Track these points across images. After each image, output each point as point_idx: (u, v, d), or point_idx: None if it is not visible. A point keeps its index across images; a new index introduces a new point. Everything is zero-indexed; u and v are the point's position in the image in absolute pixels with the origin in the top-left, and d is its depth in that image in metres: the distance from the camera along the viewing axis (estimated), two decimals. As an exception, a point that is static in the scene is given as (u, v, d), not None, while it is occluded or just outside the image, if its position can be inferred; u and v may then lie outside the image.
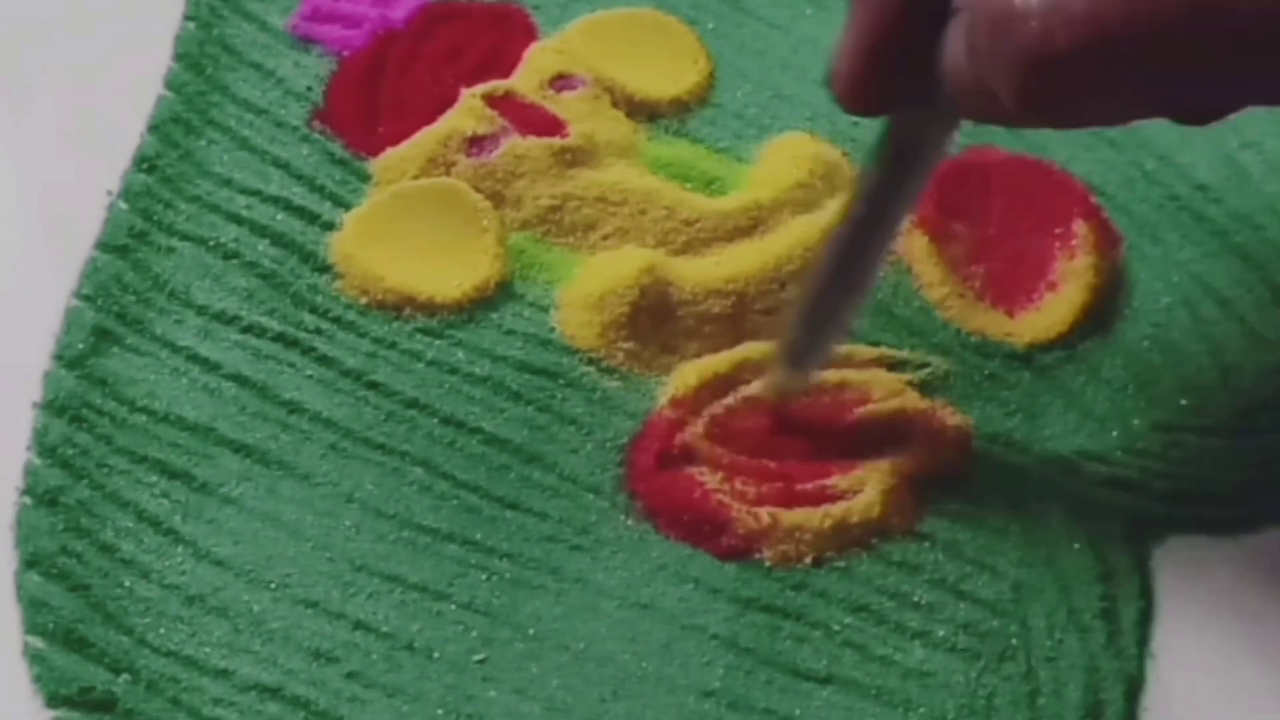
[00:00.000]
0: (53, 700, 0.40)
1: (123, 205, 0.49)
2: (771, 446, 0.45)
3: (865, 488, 0.44)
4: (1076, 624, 0.43)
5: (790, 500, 0.44)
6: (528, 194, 0.50)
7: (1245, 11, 0.32)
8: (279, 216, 0.49)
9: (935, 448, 0.46)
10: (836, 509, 0.44)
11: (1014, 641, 0.43)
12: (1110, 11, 0.33)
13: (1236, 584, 0.44)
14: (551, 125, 0.51)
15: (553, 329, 0.47)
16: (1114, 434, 0.47)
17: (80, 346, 0.46)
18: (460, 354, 0.47)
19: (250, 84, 0.52)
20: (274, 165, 0.50)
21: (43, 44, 0.53)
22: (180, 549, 0.43)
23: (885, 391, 0.46)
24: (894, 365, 0.47)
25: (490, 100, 0.51)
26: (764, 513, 0.44)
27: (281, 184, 0.49)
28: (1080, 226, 0.50)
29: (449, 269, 0.48)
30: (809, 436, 0.45)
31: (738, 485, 0.45)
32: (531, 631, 0.42)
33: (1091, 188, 0.51)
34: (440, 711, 0.41)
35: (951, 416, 0.46)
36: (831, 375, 0.46)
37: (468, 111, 0.51)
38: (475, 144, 0.50)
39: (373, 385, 0.46)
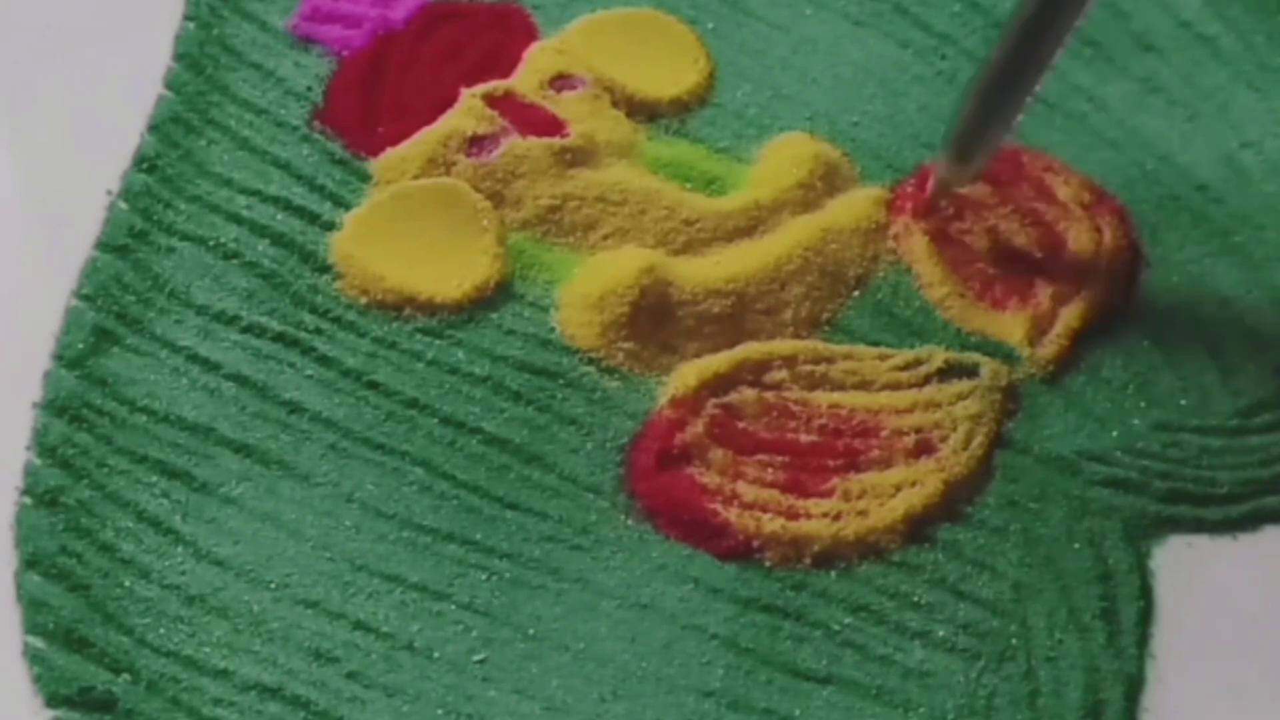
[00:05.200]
0: (53, 700, 0.40)
1: (123, 205, 0.49)
2: (772, 446, 0.45)
3: (867, 499, 0.45)
4: (1076, 624, 0.43)
5: (790, 502, 0.44)
6: (528, 194, 0.50)
7: None
8: (279, 216, 0.49)
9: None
10: (837, 525, 0.44)
11: (1014, 641, 0.43)
12: None
13: (1236, 584, 0.44)
14: (551, 125, 0.51)
15: (553, 329, 0.47)
16: (1114, 434, 0.47)
17: (80, 346, 0.46)
18: (460, 354, 0.47)
19: (250, 84, 0.52)
20: (274, 165, 0.50)
21: (43, 44, 0.53)
22: (180, 549, 0.43)
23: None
24: (905, 366, 0.47)
25: (490, 100, 0.51)
26: (765, 519, 0.44)
27: (281, 184, 0.49)
28: (1081, 227, 0.50)
29: (449, 269, 0.48)
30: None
31: (738, 485, 0.45)
32: (531, 631, 0.42)
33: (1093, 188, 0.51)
34: (440, 711, 0.41)
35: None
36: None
37: (468, 111, 0.51)
38: (475, 144, 0.50)
39: (373, 385, 0.46)
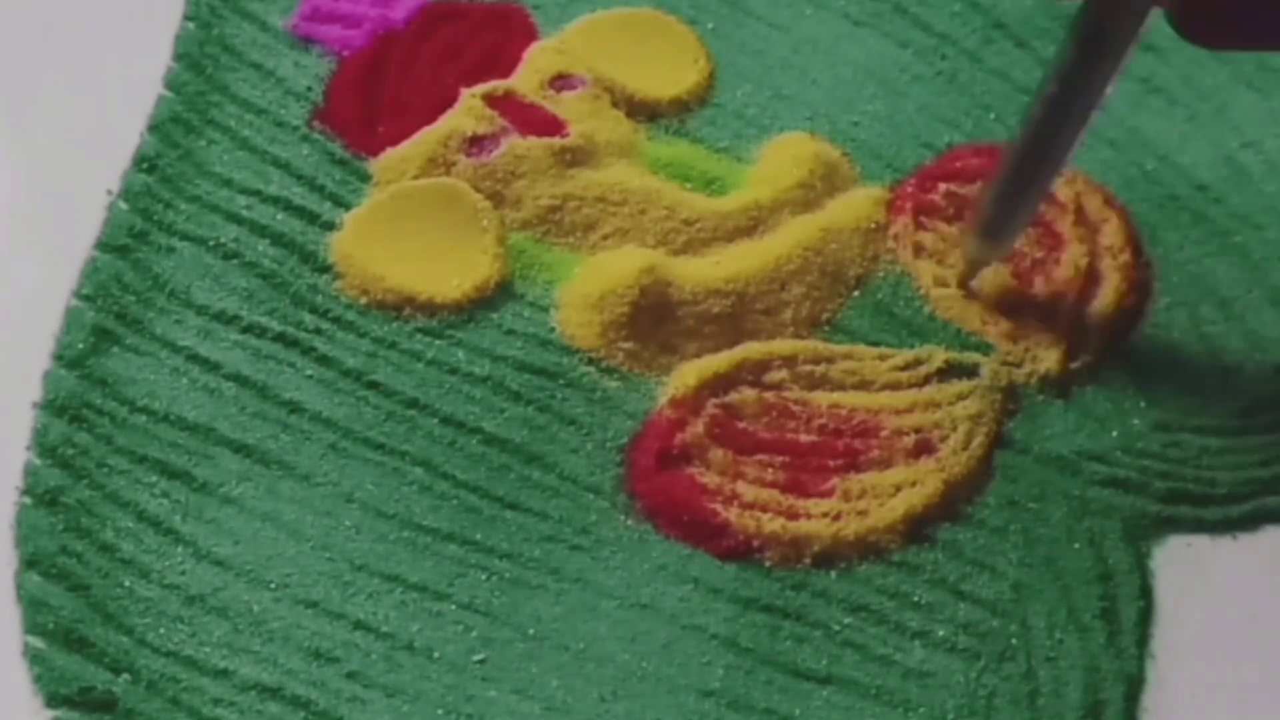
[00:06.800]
0: (53, 700, 0.40)
1: (123, 205, 0.49)
2: (772, 446, 0.45)
3: (867, 499, 0.45)
4: (1076, 624, 0.43)
5: (790, 502, 0.44)
6: (528, 194, 0.50)
7: None
8: (279, 216, 0.49)
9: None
10: (836, 525, 0.44)
11: (1014, 641, 0.43)
12: None
13: (1236, 584, 0.44)
14: (551, 125, 0.51)
15: (553, 329, 0.47)
16: (1114, 434, 0.47)
17: (80, 346, 0.46)
18: (460, 354, 0.47)
19: (250, 84, 0.52)
20: (274, 165, 0.50)
21: (43, 44, 0.53)
22: (180, 549, 0.43)
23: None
24: (905, 366, 0.47)
25: (490, 100, 0.51)
26: (765, 519, 0.44)
27: (281, 184, 0.49)
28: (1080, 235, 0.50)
29: (449, 269, 0.48)
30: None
31: (738, 485, 0.45)
32: (531, 631, 0.42)
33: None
34: (440, 711, 0.41)
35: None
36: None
37: (468, 111, 0.51)
38: (475, 144, 0.50)
39: (373, 385, 0.46)
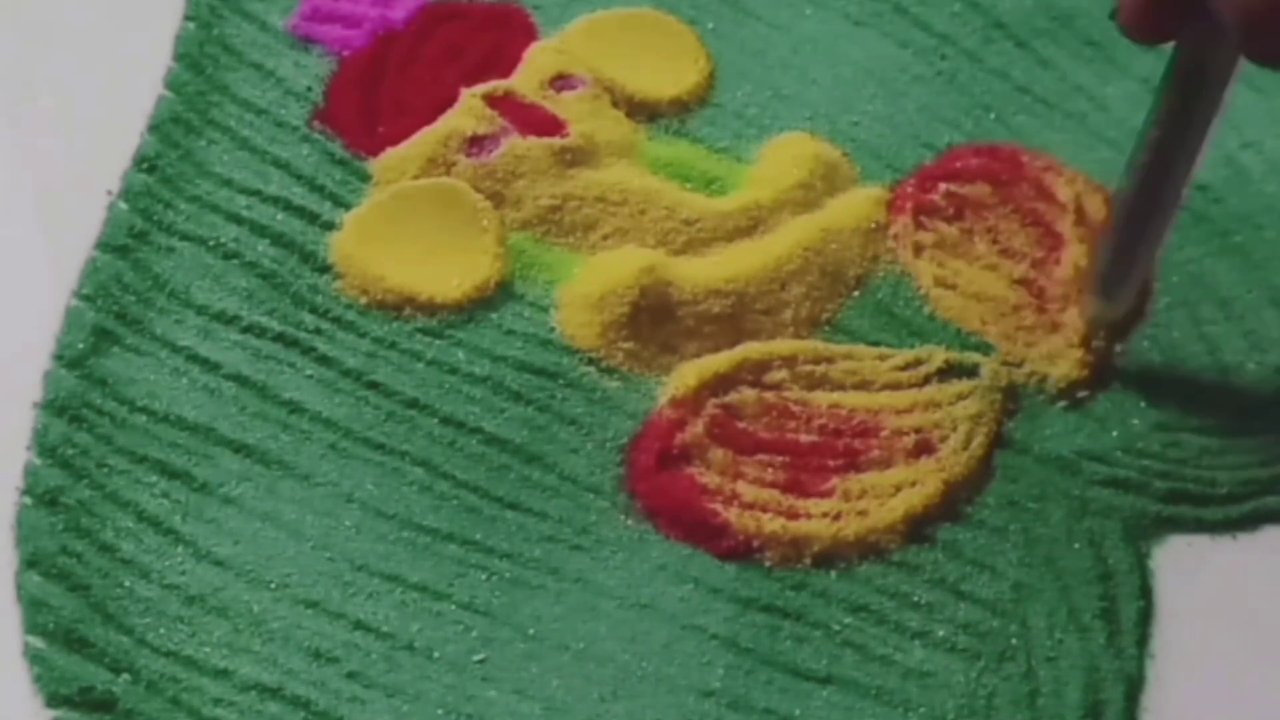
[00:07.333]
0: (53, 700, 0.40)
1: (123, 205, 0.49)
2: (772, 446, 0.45)
3: (867, 499, 0.45)
4: (1076, 624, 0.43)
5: (790, 502, 0.44)
6: (528, 194, 0.50)
7: None
8: (279, 216, 0.49)
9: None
10: (836, 525, 0.44)
11: (1014, 641, 0.43)
12: None
13: (1236, 584, 0.44)
14: (551, 125, 0.51)
15: (553, 329, 0.47)
16: (1114, 434, 0.47)
17: (80, 346, 0.46)
18: (460, 354, 0.47)
19: (250, 84, 0.52)
20: (274, 165, 0.50)
21: (43, 44, 0.53)
22: (180, 549, 0.43)
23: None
24: (905, 366, 0.47)
25: (490, 100, 0.51)
26: (765, 519, 0.44)
27: (281, 184, 0.49)
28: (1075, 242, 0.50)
29: (449, 269, 0.48)
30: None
31: (738, 485, 0.45)
32: (531, 631, 0.42)
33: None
34: (440, 711, 0.41)
35: None
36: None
37: (468, 111, 0.51)
38: (475, 144, 0.50)
39: (373, 385, 0.46)
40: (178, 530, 0.43)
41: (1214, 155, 0.52)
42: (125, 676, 0.40)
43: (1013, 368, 0.48)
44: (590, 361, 0.47)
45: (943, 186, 0.51)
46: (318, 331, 0.47)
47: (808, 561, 0.44)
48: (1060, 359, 0.48)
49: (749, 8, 0.55)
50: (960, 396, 0.47)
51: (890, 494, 0.45)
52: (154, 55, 0.52)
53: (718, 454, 0.45)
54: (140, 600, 0.42)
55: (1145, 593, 0.44)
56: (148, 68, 0.52)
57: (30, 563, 0.42)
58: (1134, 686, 0.42)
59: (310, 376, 0.46)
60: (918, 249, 0.50)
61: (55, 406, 0.44)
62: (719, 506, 0.44)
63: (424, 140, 0.50)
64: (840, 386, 0.47)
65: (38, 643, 0.41)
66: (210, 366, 0.46)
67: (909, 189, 0.51)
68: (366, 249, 0.48)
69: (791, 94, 0.53)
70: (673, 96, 0.53)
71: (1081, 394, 0.47)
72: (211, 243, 0.48)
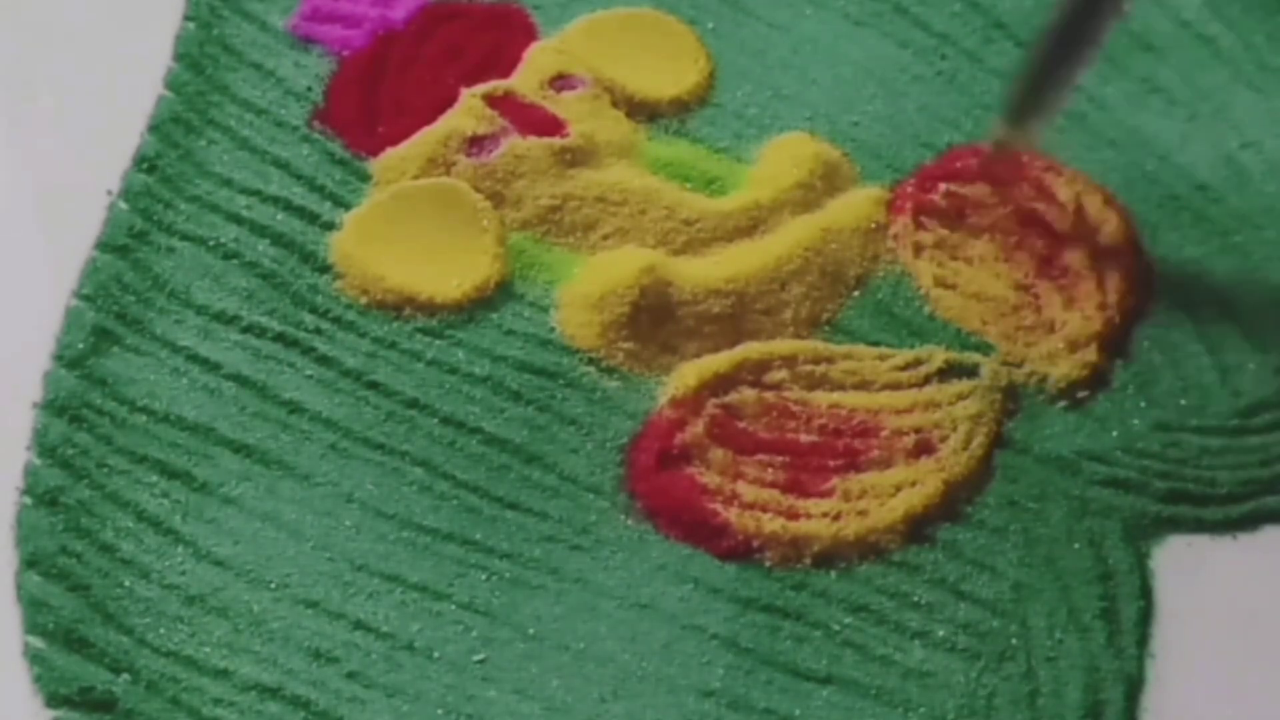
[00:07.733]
0: (53, 700, 0.40)
1: (123, 205, 0.49)
2: (772, 446, 0.45)
3: (868, 500, 0.45)
4: (1076, 624, 0.43)
5: (790, 502, 0.44)
6: (528, 194, 0.50)
7: None
8: (279, 216, 0.49)
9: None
10: (836, 525, 0.44)
11: (1014, 641, 0.43)
12: None
13: (1236, 584, 0.44)
14: (551, 125, 0.51)
15: (553, 329, 0.47)
16: (1114, 434, 0.47)
17: (80, 346, 0.46)
18: (460, 354, 0.47)
19: (250, 84, 0.52)
20: (274, 165, 0.50)
21: (43, 44, 0.53)
22: (180, 549, 0.43)
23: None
24: (905, 366, 0.47)
25: (490, 100, 0.51)
26: (765, 519, 0.44)
27: (281, 184, 0.49)
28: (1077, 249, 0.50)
29: (449, 269, 0.48)
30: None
31: (738, 485, 0.45)
32: (531, 631, 0.42)
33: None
34: (440, 711, 0.41)
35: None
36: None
37: (468, 111, 0.51)
38: (475, 144, 0.50)
39: (373, 385, 0.46)
40: (178, 530, 0.43)
41: (1214, 155, 0.53)
42: (125, 676, 0.40)
43: (1013, 368, 0.48)
44: (590, 361, 0.47)
45: (943, 186, 0.51)
46: (318, 331, 0.47)
47: (808, 561, 0.44)
48: (1060, 359, 0.48)
49: (749, 8, 0.55)
50: (960, 396, 0.47)
51: (890, 494, 0.45)
52: (154, 55, 0.52)
53: (718, 454, 0.45)
54: (140, 600, 0.42)
55: (1145, 593, 0.44)
56: (148, 68, 0.52)
57: (30, 563, 0.42)
58: (1134, 686, 0.42)
59: (310, 376, 0.46)
60: (918, 249, 0.50)
61: (55, 406, 0.44)
62: (719, 506, 0.44)
63: (424, 140, 0.50)
64: (840, 386, 0.47)
65: (38, 643, 0.41)
66: (210, 366, 0.46)
67: (909, 189, 0.51)
68: (366, 249, 0.48)
69: (791, 94, 0.53)
70: (673, 96, 0.53)
71: (1081, 394, 0.47)
72: (211, 243, 0.48)
